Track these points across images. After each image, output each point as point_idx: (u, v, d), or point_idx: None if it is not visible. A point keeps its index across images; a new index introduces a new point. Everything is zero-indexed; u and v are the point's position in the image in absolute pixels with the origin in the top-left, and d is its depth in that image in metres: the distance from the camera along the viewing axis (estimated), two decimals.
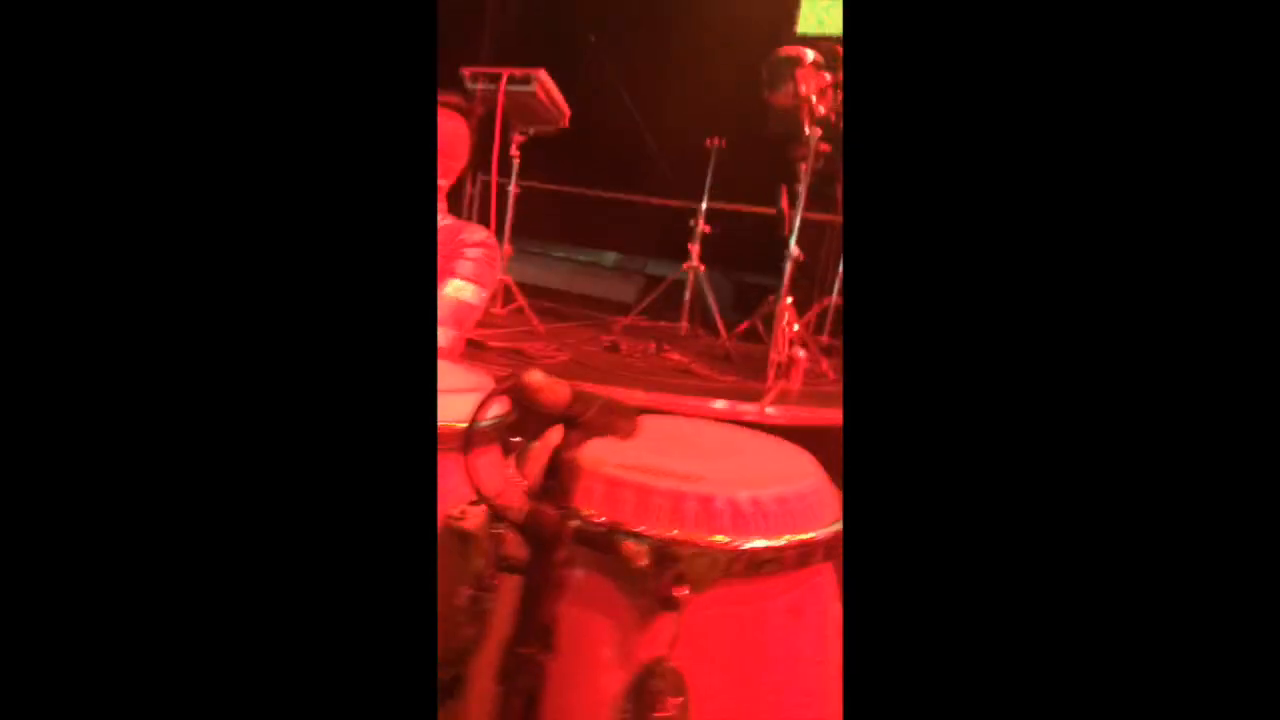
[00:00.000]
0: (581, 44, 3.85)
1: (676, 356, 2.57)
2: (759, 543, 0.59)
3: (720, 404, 2.02)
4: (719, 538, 0.58)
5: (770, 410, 2.04)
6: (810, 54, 2.36)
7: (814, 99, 2.36)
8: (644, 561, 0.57)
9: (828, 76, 2.40)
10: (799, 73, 2.30)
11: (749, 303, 2.95)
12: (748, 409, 1.98)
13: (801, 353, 2.33)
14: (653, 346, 2.66)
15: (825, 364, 2.53)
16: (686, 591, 0.56)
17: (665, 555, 0.57)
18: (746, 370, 2.43)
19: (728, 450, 0.75)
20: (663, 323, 3.14)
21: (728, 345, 2.70)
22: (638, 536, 0.58)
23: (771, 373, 2.30)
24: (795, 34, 3.75)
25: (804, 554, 0.62)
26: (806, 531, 0.63)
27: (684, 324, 3.11)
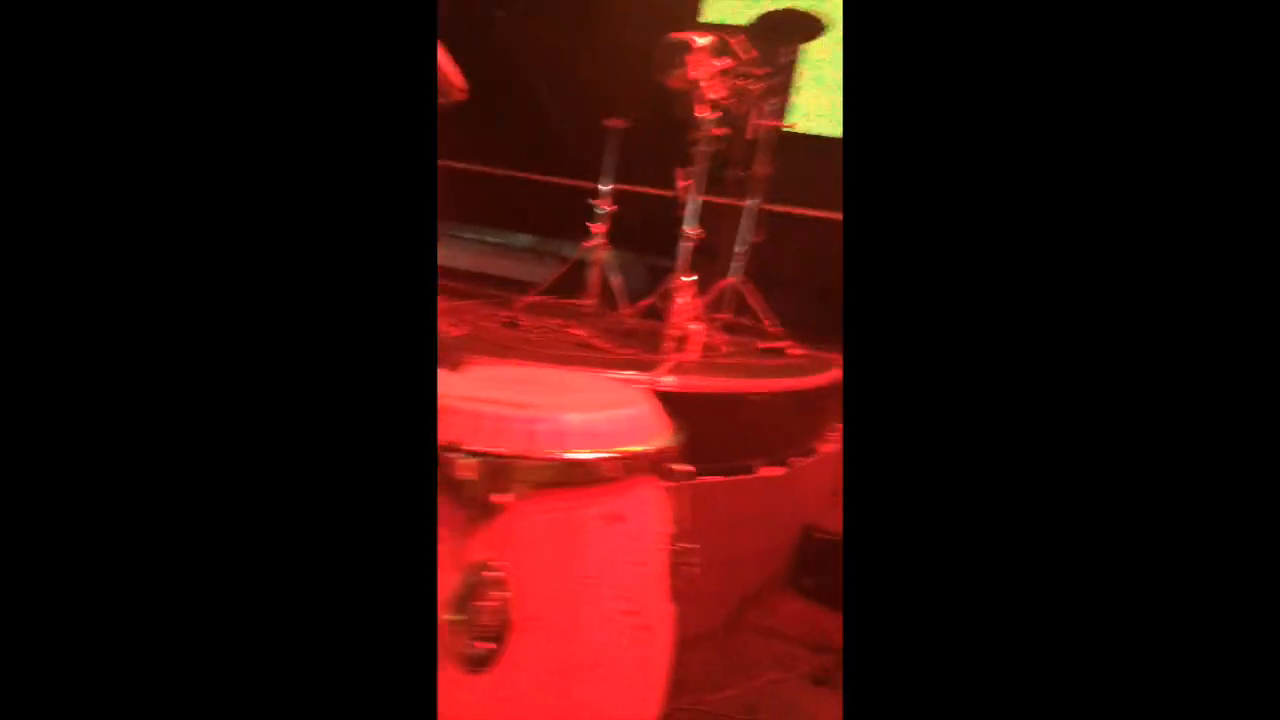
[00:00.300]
0: (488, 19, 3.80)
1: (579, 332, 2.63)
2: (577, 455, 0.67)
3: (616, 375, 2.10)
4: (540, 451, 0.65)
5: (664, 380, 2.14)
6: (700, 39, 2.45)
7: (704, 84, 2.46)
8: (470, 474, 0.63)
9: (718, 63, 2.50)
10: (689, 57, 2.40)
11: (659, 283, 3.04)
12: (642, 378, 2.07)
13: (697, 328, 2.44)
14: (556, 323, 2.71)
15: (720, 339, 2.66)
16: (509, 499, 0.63)
17: (490, 468, 0.64)
18: (647, 345, 2.52)
19: (564, 388, 0.82)
20: (570, 300, 3.19)
21: (630, 321, 2.78)
22: (466, 453, 0.64)
23: (668, 346, 2.40)
24: (698, 23, 3.86)
25: (625, 467, 0.70)
26: (626, 447, 0.71)
27: (590, 301, 3.17)
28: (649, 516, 0.74)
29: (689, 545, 0.75)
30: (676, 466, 0.75)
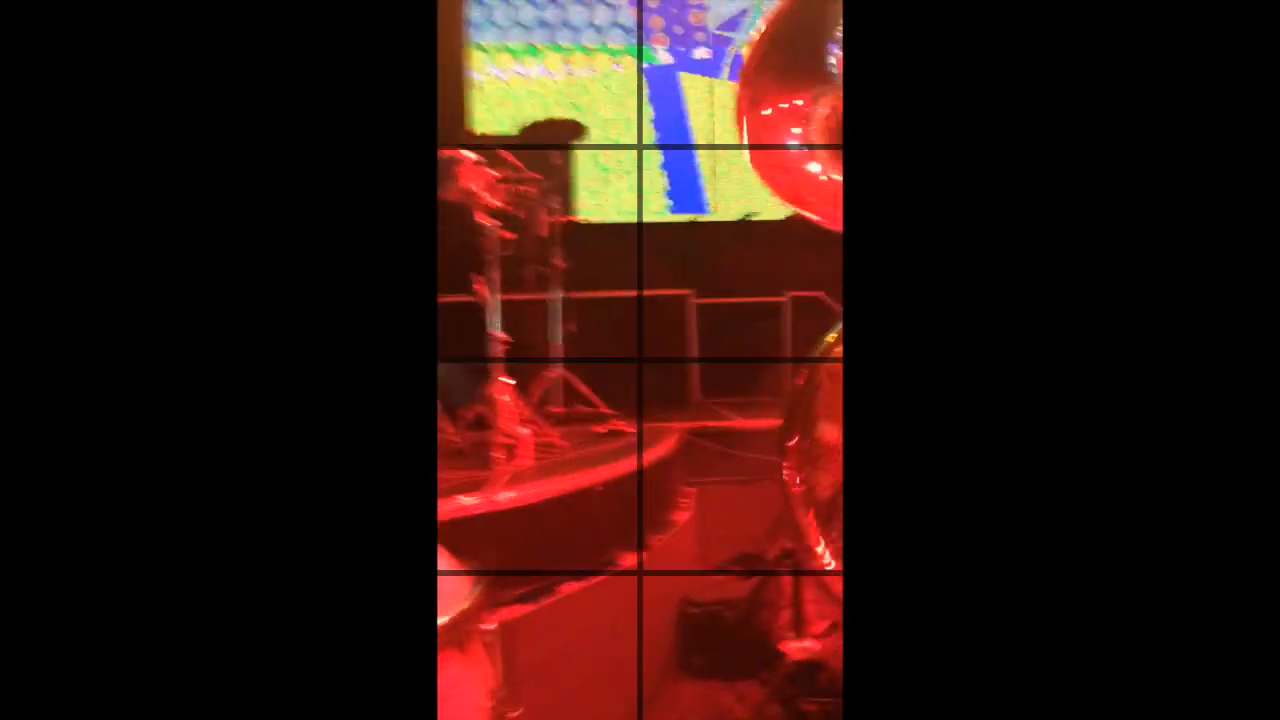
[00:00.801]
0: None
1: None
2: None
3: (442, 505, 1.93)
4: None
5: (502, 496, 2.01)
6: (470, 154, 2.51)
7: (486, 194, 2.50)
8: None
9: (493, 172, 2.57)
10: (459, 170, 2.43)
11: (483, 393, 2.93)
12: (472, 501, 1.92)
13: (525, 431, 2.37)
14: None
15: (555, 435, 2.60)
16: None
17: None
18: (477, 460, 2.38)
19: None
20: None
21: (456, 439, 2.63)
22: None
23: (500, 456, 2.29)
24: (470, 133, 4.00)
25: None
26: None
27: None
28: (462, 693, 0.63)
29: (512, 713, 0.66)
30: (483, 626, 0.67)
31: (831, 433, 0.75)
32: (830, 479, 0.74)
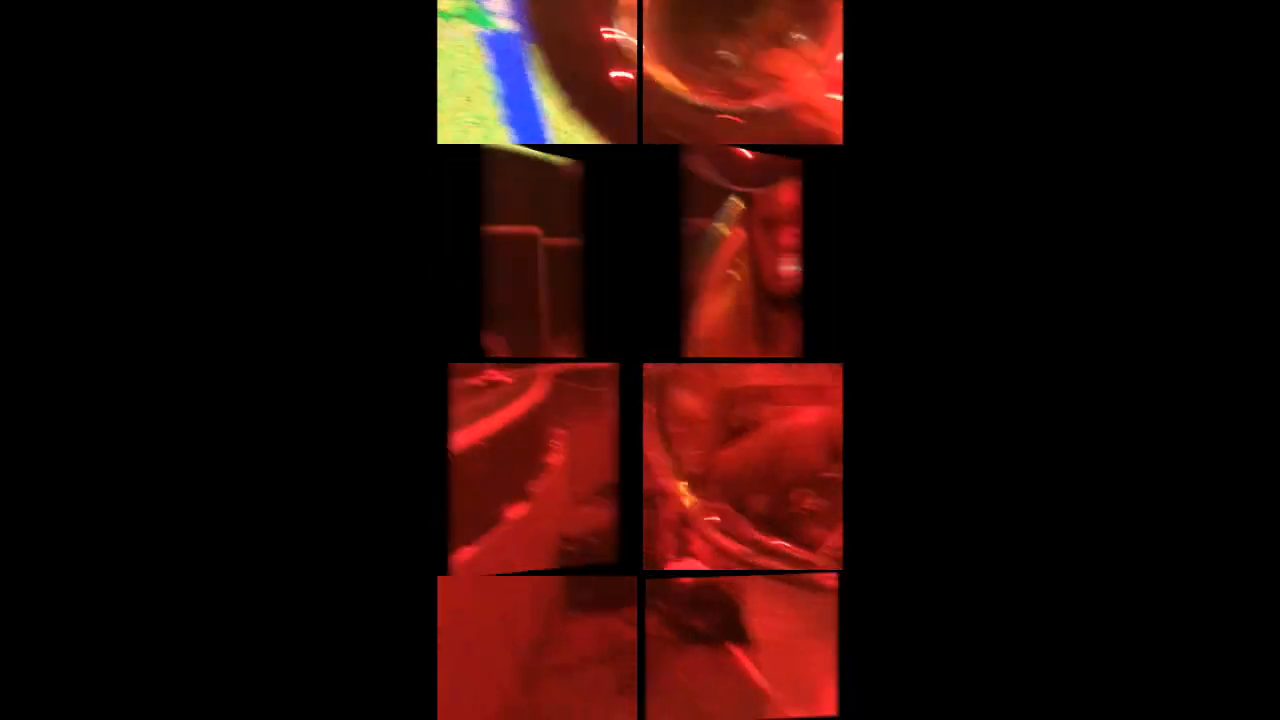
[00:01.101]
0: None
1: None
2: None
3: None
4: None
5: None
6: None
7: None
8: None
9: None
10: None
11: None
12: None
13: None
14: None
15: None
16: None
17: None
18: None
19: None
20: None
21: None
22: None
23: None
24: None
25: None
26: None
27: None
28: None
29: None
30: None
31: (687, 400, 0.76)
32: (694, 452, 0.74)
